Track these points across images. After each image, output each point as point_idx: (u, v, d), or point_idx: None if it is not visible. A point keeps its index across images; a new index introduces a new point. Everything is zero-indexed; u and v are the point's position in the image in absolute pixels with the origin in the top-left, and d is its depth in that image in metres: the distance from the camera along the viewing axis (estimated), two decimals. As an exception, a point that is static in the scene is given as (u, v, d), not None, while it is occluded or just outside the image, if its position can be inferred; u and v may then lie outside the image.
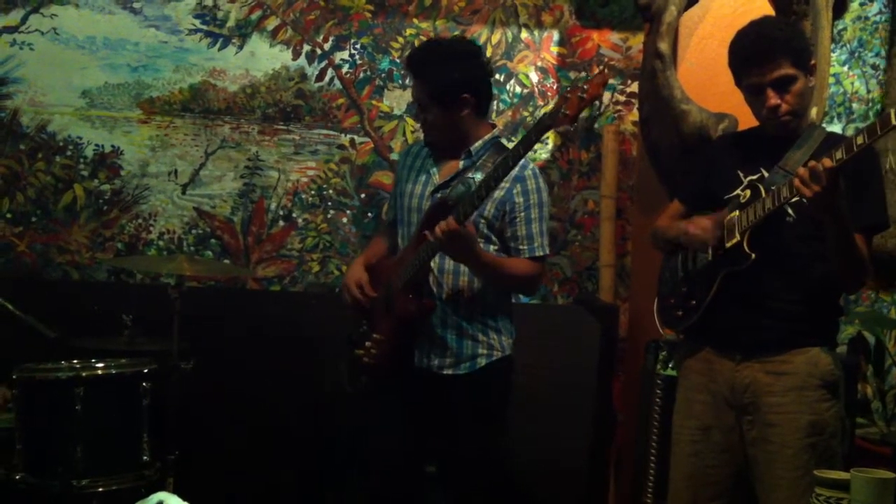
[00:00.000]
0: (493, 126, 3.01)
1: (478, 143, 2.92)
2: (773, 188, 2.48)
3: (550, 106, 4.23)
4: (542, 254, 2.91)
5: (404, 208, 3.02)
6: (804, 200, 2.33)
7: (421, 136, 3.11)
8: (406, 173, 3.06)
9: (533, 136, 2.65)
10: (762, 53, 2.53)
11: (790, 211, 2.53)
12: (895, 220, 2.76)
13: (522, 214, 2.87)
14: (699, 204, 2.74)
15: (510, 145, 2.84)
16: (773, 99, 2.53)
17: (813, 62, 2.57)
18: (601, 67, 2.62)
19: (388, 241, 3.16)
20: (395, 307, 2.89)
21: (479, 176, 2.83)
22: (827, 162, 2.25)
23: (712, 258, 2.59)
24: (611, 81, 4.30)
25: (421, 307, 2.86)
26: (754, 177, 2.58)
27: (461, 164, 2.93)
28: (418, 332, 2.90)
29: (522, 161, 2.88)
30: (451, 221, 2.68)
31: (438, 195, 2.92)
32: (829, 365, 2.56)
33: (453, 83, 2.86)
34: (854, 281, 2.60)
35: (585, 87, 2.54)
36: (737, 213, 2.55)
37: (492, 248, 2.90)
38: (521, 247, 2.89)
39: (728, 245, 2.54)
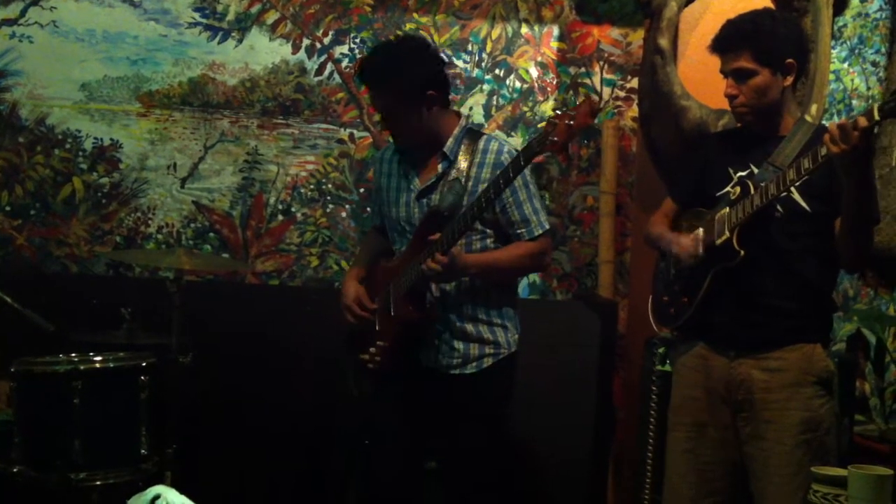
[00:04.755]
0: (459, 115, 2.99)
1: (450, 141, 2.89)
2: (761, 184, 2.48)
3: (547, 109, 4.26)
4: (541, 231, 2.91)
5: (392, 218, 3.00)
6: (832, 156, 2.30)
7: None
8: (386, 181, 3.03)
9: (521, 160, 2.63)
10: (722, 42, 2.59)
11: (779, 207, 2.53)
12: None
13: (511, 199, 2.86)
14: (692, 202, 2.75)
15: (513, 141, 2.83)
16: (730, 88, 2.59)
17: (790, 61, 2.56)
18: (586, 96, 2.62)
19: (377, 247, 3.14)
20: (398, 315, 2.88)
21: (461, 176, 2.83)
22: (862, 121, 2.23)
23: (703, 255, 2.59)
24: (611, 77, 4.30)
25: (423, 316, 2.86)
26: (743, 173, 2.60)
27: (440, 166, 2.91)
28: (421, 337, 2.90)
29: (497, 146, 2.88)
30: (437, 257, 2.70)
31: (425, 201, 2.91)
32: (822, 361, 2.57)
33: (415, 83, 2.82)
34: (858, 257, 2.57)
35: (573, 114, 2.51)
36: (727, 209, 2.55)
37: (489, 240, 2.90)
38: (519, 231, 2.89)
39: (718, 242, 2.55)
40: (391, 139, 3.03)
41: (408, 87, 2.82)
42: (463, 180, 2.84)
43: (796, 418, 2.52)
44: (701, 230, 2.63)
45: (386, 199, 3.02)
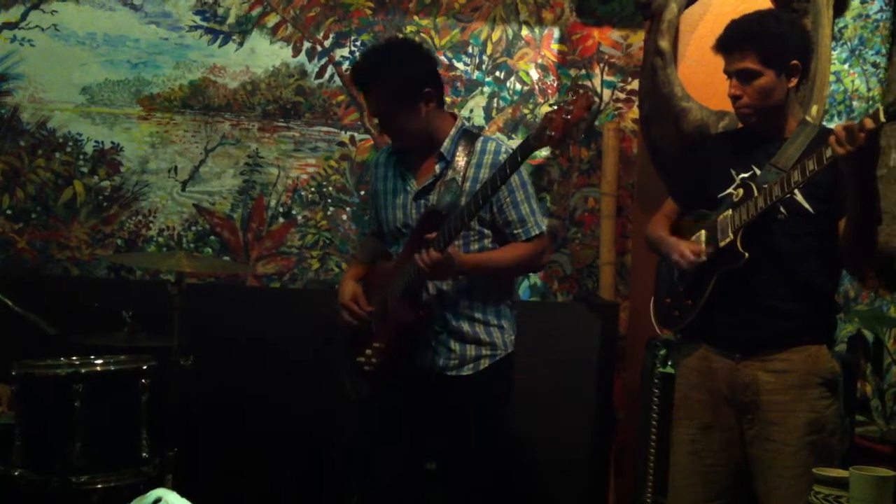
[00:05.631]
0: (455, 116, 2.99)
1: (447, 143, 2.89)
2: (764, 186, 2.48)
3: (547, 105, 4.26)
4: (538, 232, 2.90)
5: (389, 220, 2.99)
6: (837, 158, 2.29)
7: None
8: (382, 184, 3.03)
9: (518, 156, 2.63)
10: (727, 43, 2.58)
11: (781, 209, 2.53)
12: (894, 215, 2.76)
13: (509, 199, 2.86)
14: (693, 203, 2.75)
15: (514, 143, 2.82)
16: (734, 88, 2.58)
17: (795, 62, 2.55)
18: (582, 90, 2.60)
19: (374, 252, 3.13)
20: (394, 316, 2.88)
21: (458, 176, 2.84)
22: (868, 122, 2.22)
23: (707, 258, 2.59)
24: (611, 78, 4.30)
25: (418, 317, 2.85)
26: (746, 175, 2.59)
27: (437, 167, 2.90)
28: (418, 338, 2.89)
29: (495, 146, 2.88)
30: (432, 253, 2.69)
31: (423, 201, 2.91)
32: (828, 363, 2.57)
33: (412, 80, 2.83)
34: (862, 258, 2.57)
35: (570, 107, 2.50)
36: (729, 211, 2.55)
37: (486, 241, 2.90)
38: (516, 231, 2.89)
39: (722, 244, 2.55)
40: (390, 142, 3.04)
41: (400, 85, 2.82)
42: (460, 180, 2.84)
43: (802, 420, 2.52)
44: (703, 232, 2.62)
45: (383, 203, 3.02)
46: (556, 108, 2.53)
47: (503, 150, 2.88)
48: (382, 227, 3.06)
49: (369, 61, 2.92)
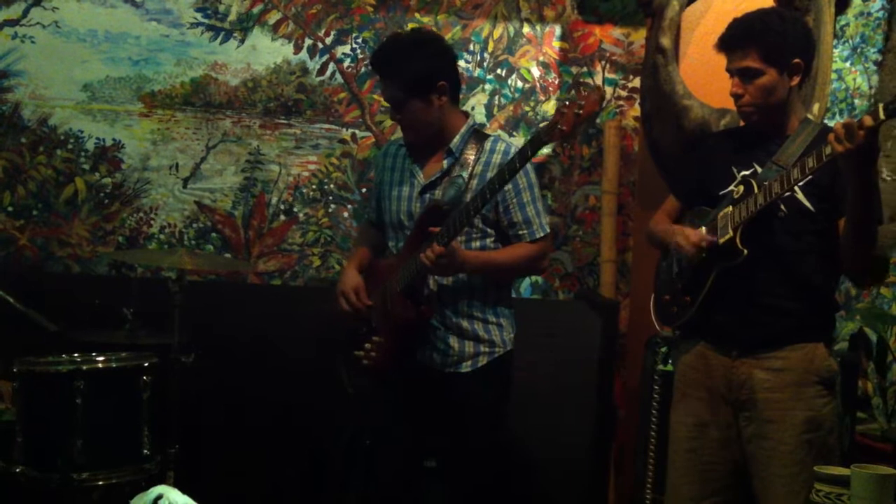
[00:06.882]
0: (466, 115, 2.99)
1: (456, 139, 2.90)
2: (764, 183, 2.48)
3: (551, 103, 4.26)
4: (542, 234, 2.91)
5: (392, 212, 2.99)
6: (836, 156, 2.29)
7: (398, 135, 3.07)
8: (389, 176, 3.03)
9: (529, 150, 2.64)
10: (729, 41, 2.58)
11: (782, 206, 2.53)
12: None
13: (515, 200, 2.87)
14: (694, 200, 2.75)
15: (516, 141, 2.82)
16: (735, 87, 2.58)
17: (797, 61, 2.55)
18: (595, 86, 2.61)
19: (373, 241, 3.13)
20: (394, 312, 2.88)
21: (465, 173, 2.84)
22: (867, 120, 2.22)
23: (706, 255, 2.59)
24: (613, 76, 4.30)
25: (419, 314, 2.85)
26: (747, 172, 2.59)
27: (444, 162, 2.91)
28: (417, 335, 2.90)
29: (504, 146, 2.89)
30: (435, 248, 2.69)
31: (427, 196, 2.91)
32: (825, 361, 2.56)
33: (427, 71, 2.84)
34: (862, 257, 2.54)
35: (581, 102, 2.52)
36: (730, 208, 2.55)
37: (488, 240, 2.90)
38: (521, 232, 2.89)
39: (721, 241, 2.54)
40: (397, 135, 3.04)
41: (418, 74, 2.83)
42: (466, 178, 2.85)
43: (799, 418, 2.52)
44: (703, 229, 2.62)
45: (388, 193, 3.02)
46: (567, 102, 2.54)
47: (512, 150, 2.87)
48: (384, 218, 3.06)
49: (387, 48, 2.94)
